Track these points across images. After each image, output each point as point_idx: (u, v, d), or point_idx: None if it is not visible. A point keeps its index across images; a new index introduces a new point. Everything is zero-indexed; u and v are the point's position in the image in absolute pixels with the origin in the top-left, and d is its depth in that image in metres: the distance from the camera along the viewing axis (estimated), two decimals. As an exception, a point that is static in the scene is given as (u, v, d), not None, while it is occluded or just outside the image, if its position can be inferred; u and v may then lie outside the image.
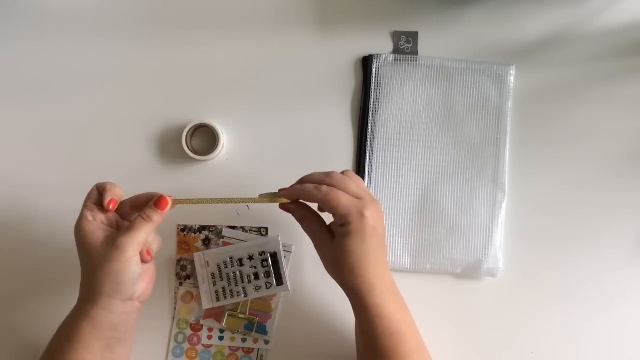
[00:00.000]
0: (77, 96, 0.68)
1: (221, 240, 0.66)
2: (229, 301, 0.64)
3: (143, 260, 0.54)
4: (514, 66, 0.67)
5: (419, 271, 0.66)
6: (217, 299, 0.64)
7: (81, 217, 0.54)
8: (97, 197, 0.55)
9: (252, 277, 0.64)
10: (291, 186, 0.56)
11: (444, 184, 0.66)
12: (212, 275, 0.65)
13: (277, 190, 0.56)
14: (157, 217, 0.54)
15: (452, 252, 0.66)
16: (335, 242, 0.53)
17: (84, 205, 0.54)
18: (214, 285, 0.64)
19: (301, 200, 0.56)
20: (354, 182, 0.54)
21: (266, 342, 0.65)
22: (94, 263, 0.52)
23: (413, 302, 0.66)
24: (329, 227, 0.55)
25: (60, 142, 0.67)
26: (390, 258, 0.66)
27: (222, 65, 0.67)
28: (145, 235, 0.53)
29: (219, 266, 0.65)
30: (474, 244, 0.66)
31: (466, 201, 0.66)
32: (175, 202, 0.55)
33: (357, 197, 0.53)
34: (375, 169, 0.66)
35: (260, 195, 0.56)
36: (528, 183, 0.66)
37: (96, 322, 0.52)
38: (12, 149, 0.67)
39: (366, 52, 0.67)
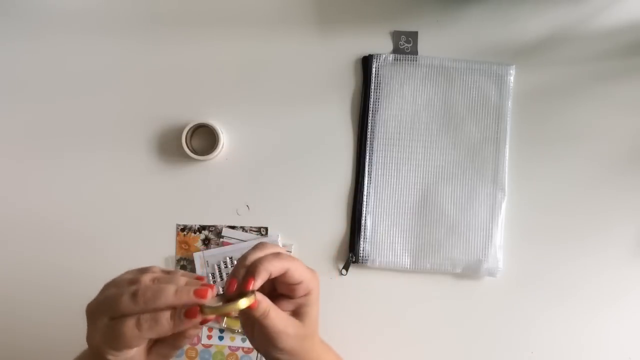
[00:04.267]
0: (77, 96, 0.68)
1: (221, 240, 0.66)
2: None
3: None
4: (514, 66, 0.67)
5: (419, 271, 0.66)
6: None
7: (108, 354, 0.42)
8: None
9: None
10: (252, 266, 0.45)
11: (444, 184, 0.66)
12: (212, 275, 0.65)
13: (221, 293, 0.48)
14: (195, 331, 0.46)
15: (452, 252, 0.66)
16: (304, 317, 0.47)
17: (115, 345, 0.41)
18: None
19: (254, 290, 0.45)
20: (277, 247, 0.49)
21: (266, 342, 0.65)
22: None
23: (413, 302, 0.66)
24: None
25: (59, 142, 0.67)
26: (390, 258, 0.66)
27: (222, 65, 0.67)
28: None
29: (218, 266, 0.64)
30: (474, 244, 0.66)
31: (466, 201, 0.66)
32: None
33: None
34: (375, 169, 0.66)
35: (207, 308, 0.41)
36: (528, 183, 0.66)
37: None
38: (12, 149, 0.67)
39: (366, 52, 0.67)
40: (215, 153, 0.65)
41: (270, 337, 0.46)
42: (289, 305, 0.48)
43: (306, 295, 0.48)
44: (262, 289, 0.46)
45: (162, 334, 0.40)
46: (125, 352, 0.41)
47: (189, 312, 0.40)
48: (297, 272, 0.46)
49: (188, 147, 0.65)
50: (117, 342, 0.40)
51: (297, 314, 0.48)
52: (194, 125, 0.65)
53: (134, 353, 0.42)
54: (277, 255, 0.46)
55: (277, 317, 0.46)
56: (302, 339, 0.48)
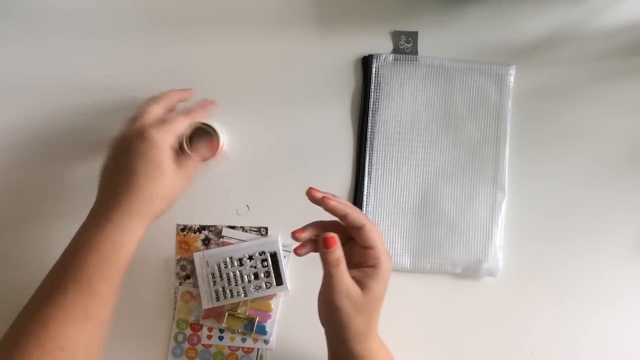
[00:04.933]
0: (76, 96, 0.67)
1: (221, 240, 0.66)
2: (229, 301, 0.64)
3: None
4: (514, 66, 0.67)
5: (419, 271, 0.66)
6: (217, 299, 0.64)
7: (163, 139, 0.54)
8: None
9: (252, 277, 0.64)
10: (338, 202, 0.51)
11: (444, 184, 0.66)
12: (212, 275, 0.65)
13: (322, 196, 0.51)
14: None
15: (452, 252, 0.66)
16: (366, 289, 0.50)
17: (171, 131, 0.55)
18: (214, 285, 0.64)
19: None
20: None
21: (266, 342, 0.65)
22: (164, 183, 0.53)
23: (413, 302, 0.66)
24: None
25: (59, 141, 0.67)
26: (390, 258, 0.66)
27: (221, 66, 0.67)
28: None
29: (218, 266, 0.65)
30: (474, 244, 0.66)
31: (466, 201, 0.66)
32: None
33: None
34: (375, 169, 0.66)
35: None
36: (528, 183, 0.66)
37: (135, 238, 0.53)
38: (11, 148, 0.67)
39: (366, 52, 0.67)
40: (216, 153, 0.65)
41: (331, 289, 0.49)
42: (356, 272, 0.50)
43: (374, 266, 0.50)
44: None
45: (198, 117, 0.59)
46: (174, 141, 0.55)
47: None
48: (372, 233, 0.50)
49: (188, 148, 0.65)
50: (172, 128, 0.55)
51: (360, 283, 0.50)
52: (193, 125, 0.65)
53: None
54: (360, 211, 0.51)
55: (345, 272, 0.49)
56: (358, 310, 0.49)
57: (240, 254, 0.65)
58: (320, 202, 0.50)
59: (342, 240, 0.50)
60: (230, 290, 0.64)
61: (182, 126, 0.56)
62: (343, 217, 0.50)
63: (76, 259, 0.51)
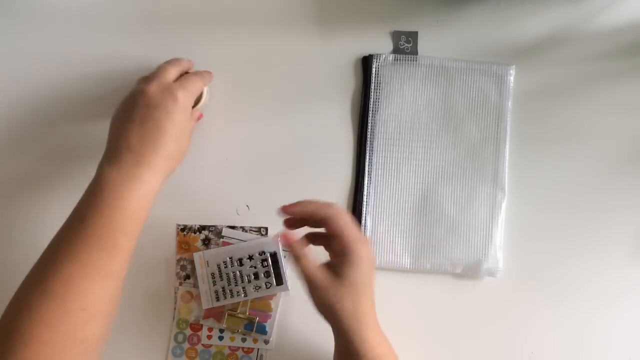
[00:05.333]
0: (75, 96, 0.67)
1: (221, 240, 0.66)
2: (229, 301, 0.64)
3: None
4: (514, 66, 0.67)
5: (419, 271, 0.66)
6: (217, 299, 0.64)
7: (186, 101, 0.57)
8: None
9: (252, 277, 0.64)
10: (297, 202, 0.54)
11: (444, 184, 0.66)
12: (212, 275, 0.65)
13: (279, 207, 0.54)
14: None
15: (452, 252, 0.66)
16: (341, 277, 0.51)
17: (192, 92, 0.58)
18: (214, 285, 0.64)
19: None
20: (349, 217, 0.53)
21: (266, 342, 0.65)
22: (184, 137, 0.57)
23: (413, 302, 0.66)
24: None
25: (59, 142, 0.67)
26: (390, 258, 0.66)
27: (221, 65, 0.67)
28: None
29: (218, 266, 0.65)
30: (474, 244, 0.66)
31: (466, 201, 0.66)
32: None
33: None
34: (375, 169, 0.66)
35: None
36: (528, 183, 0.66)
37: (153, 191, 0.54)
38: (12, 148, 0.67)
39: (366, 52, 0.67)
40: (198, 107, 0.64)
41: (304, 282, 0.52)
42: (333, 261, 0.53)
43: (346, 254, 0.51)
44: (316, 243, 0.55)
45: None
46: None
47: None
48: (335, 224, 0.51)
49: None
50: (193, 90, 0.58)
51: (335, 271, 0.51)
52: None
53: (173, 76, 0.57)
54: (328, 204, 0.52)
55: (307, 264, 0.52)
56: (336, 300, 0.50)
57: (240, 254, 0.65)
58: (283, 213, 0.54)
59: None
60: (231, 290, 0.64)
61: (200, 88, 0.60)
62: (309, 214, 0.53)
63: (101, 217, 0.50)
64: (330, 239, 0.54)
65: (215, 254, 0.65)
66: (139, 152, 0.53)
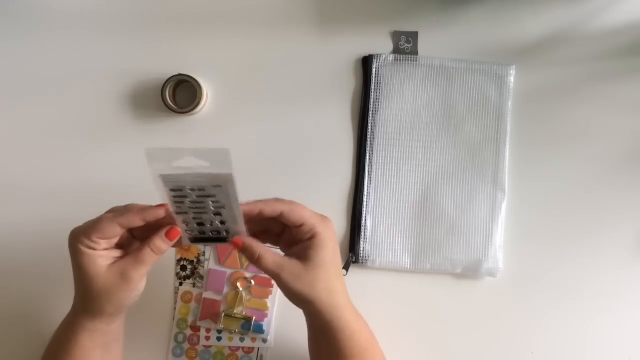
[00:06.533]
0: (74, 96, 0.68)
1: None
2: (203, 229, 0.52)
3: None
4: (514, 66, 0.67)
5: (419, 271, 0.66)
6: (191, 232, 0.52)
7: (80, 242, 0.48)
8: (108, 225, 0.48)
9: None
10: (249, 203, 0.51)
11: (444, 184, 0.66)
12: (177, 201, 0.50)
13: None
14: (165, 247, 0.50)
15: (452, 252, 0.66)
16: (307, 260, 0.50)
17: (90, 231, 0.48)
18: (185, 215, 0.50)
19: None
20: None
21: (264, 340, 0.65)
22: (95, 288, 0.49)
23: (413, 302, 0.66)
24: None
25: (58, 141, 0.67)
26: (390, 258, 0.66)
27: (221, 65, 0.67)
28: (151, 265, 0.50)
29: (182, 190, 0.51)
30: (474, 244, 0.65)
31: (466, 201, 0.66)
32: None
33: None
34: (375, 169, 0.66)
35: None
36: (528, 183, 0.66)
37: (95, 335, 0.52)
38: (11, 147, 0.67)
39: (366, 52, 0.67)
40: (199, 108, 0.64)
41: (273, 280, 0.51)
42: (297, 248, 0.51)
43: (310, 238, 0.50)
44: (273, 235, 0.53)
45: (131, 222, 0.48)
46: (97, 241, 0.48)
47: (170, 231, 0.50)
48: (294, 214, 0.50)
49: (173, 104, 0.65)
50: (92, 227, 0.48)
51: (301, 257, 0.51)
52: (173, 78, 0.65)
53: (103, 247, 0.48)
54: (278, 199, 0.51)
55: (268, 258, 0.50)
56: (309, 284, 0.50)
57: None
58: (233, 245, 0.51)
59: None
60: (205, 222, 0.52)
61: (104, 224, 0.48)
62: (258, 215, 0.50)
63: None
64: (286, 229, 0.53)
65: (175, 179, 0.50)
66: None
